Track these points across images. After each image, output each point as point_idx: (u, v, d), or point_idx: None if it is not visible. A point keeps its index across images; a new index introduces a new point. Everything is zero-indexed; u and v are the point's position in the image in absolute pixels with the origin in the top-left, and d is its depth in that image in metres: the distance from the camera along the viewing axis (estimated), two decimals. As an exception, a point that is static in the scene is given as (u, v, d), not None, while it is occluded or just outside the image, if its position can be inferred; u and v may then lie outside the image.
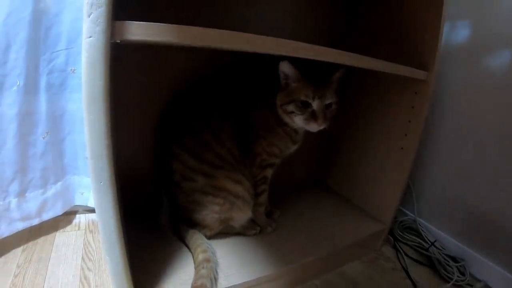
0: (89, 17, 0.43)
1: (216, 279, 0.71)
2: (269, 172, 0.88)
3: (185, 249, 0.80)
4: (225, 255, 0.80)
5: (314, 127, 0.78)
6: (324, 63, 0.68)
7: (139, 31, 0.46)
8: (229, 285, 0.71)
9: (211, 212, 0.80)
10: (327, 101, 0.79)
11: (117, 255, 0.57)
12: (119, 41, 0.46)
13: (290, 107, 0.78)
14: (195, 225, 0.82)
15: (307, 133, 0.88)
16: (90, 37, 0.44)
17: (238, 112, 0.83)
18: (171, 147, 0.79)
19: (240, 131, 0.82)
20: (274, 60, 0.76)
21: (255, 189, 0.87)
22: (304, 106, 0.77)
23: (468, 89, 1.03)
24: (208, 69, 0.94)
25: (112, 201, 0.53)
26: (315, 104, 0.77)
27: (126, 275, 0.59)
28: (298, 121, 0.79)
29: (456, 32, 1.05)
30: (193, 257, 0.76)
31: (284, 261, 0.82)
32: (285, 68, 0.77)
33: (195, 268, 0.72)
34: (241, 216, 0.85)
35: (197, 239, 0.78)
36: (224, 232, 0.87)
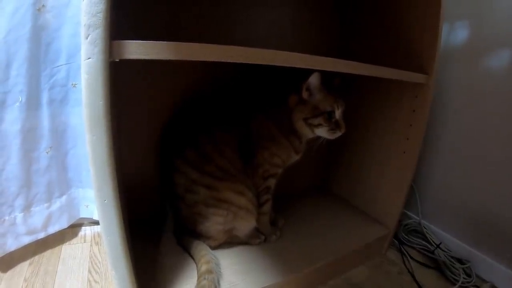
0: (86, 38, 0.44)
1: (217, 290, 0.71)
2: (272, 182, 0.88)
3: (191, 259, 0.80)
4: (230, 264, 0.81)
5: (337, 135, 0.81)
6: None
7: (137, 49, 0.47)
8: (235, 295, 0.72)
9: (214, 223, 0.80)
10: (343, 108, 0.81)
11: (123, 270, 0.57)
12: (117, 60, 0.47)
13: (318, 120, 0.79)
14: (199, 236, 0.82)
15: (309, 141, 0.89)
16: (89, 58, 0.44)
17: (240, 123, 0.83)
18: (173, 160, 0.80)
19: (242, 142, 0.82)
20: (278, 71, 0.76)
21: (258, 199, 0.87)
22: (329, 117, 0.79)
23: (469, 90, 1.02)
24: (211, 81, 0.94)
25: (116, 218, 0.53)
26: (337, 114, 0.80)
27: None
28: (321, 132, 0.81)
29: (455, 33, 1.05)
30: (197, 267, 0.76)
31: (289, 269, 0.82)
32: (315, 80, 0.76)
33: (197, 279, 0.72)
34: (245, 226, 0.85)
35: (201, 250, 0.78)
36: (229, 241, 0.87)
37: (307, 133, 0.83)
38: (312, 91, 0.78)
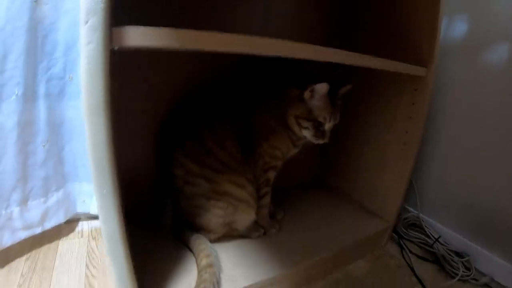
0: (86, 24, 0.43)
1: (218, 284, 0.70)
2: (271, 175, 0.88)
3: (189, 253, 0.80)
4: (229, 258, 0.80)
5: (318, 142, 0.82)
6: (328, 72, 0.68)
7: (138, 36, 0.46)
8: (234, 288, 0.72)
9: (214, 216, 0.80)
10: (336, 122, 0.82)
11: (121, 262, 0.57)
12: (117, 48, 0.46)
13: (306, 124, 0.79)
14: (199, 229, 0.82)
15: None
16: (89, 43, 0.44)
17: (239, 116, 0.83)
18: (173, 152, 0.79)
19: (242, 135, 0.82)
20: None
21: (258, 192, 0.87)
22: (318, 126, 0.80)
23: (468, 84, 1.03)
24: (210, 74, 0.94)
25: (115, 209, 0.52)
26: (327, 126, 0.80)
27: (131, 281, 0.59)
28: (306, 134, 0.82)
29: (454, 27, 1.05)
30: (196, 261, 0.76)
31: (289, 262, 0.82)
32: (322, 89, 0.75)
33: (198, 273, 0.72)
34: (244, 218, 0.84)
35: (200, 243, 0.78)
36: (228, 235, 0.86)
37: (296, 131, 0.83)
38: (314, 95, 0.78)
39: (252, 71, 0.96)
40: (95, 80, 0.45)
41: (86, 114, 0.46)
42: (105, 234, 0.54)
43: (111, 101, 0.48)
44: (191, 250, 0.79)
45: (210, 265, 0.71)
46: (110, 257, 0.56)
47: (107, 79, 0.46)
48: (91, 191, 0.98)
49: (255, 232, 0.89)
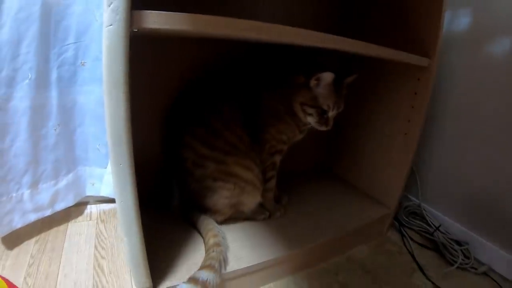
0: (109, 6, 0.45)
1: (225, 262, 0.72)
2: (277, 158, 0.90)
3: (197, 234, 0.82)
4: (235, 239, 0.82)
5: (321, 129, 0.85)
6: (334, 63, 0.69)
7: (156, 19, 0.48)
8: (240, 268, 0.74)
9: (222, 197, 0.82)
10: (339, 111, 0.84)
11: (135, 235, 0.59)
12: (136, 30, 0.48)
13: (311, 110, 0.82)
14: (206, 210, 0.84)
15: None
16: (111, 25, 0.46)
17: (247, 101, 0.85)
18: (183, 136, 0.81)
19: (250, 119, 0.84)
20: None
21: (264, 175, 0.89)
22: (322, 113, 0.82)
23: (471, 75, 1.04)
24: (218, 61, 0.96)
25: (130, 182, 0.54)
26: (330, 114, 0.83)
27: (142, 254, 0.61)
28: (310, 120, 0.84)
29: (457, 20, 1.06)
30: (204, 241, 0.78)
31: (292, 244, 0.84)
32: (327, 78, 0.77)
33: (206, 251, 0.74)
34: (251, 200, 0.87)
35: (208, 223, 0.80)
36: (234, 217, 0.89)
37: (301, 117, 0.85)
38: (320, 84, 0.79)
39: (258, 60, 0.98)
40: (115, 60, 0.47)
41: (106, 89, 0.49)
42: (120, 208, 0.56)
43: (130, 79, 0.50)
44: (198, 231, 0.82)
45: (217, 244, 0.74)
46: (124, 231, 0.58)
47: (127, 58, 0.48)
48: (101, 174, 1.00)
49: (261, 215, 0.92)
